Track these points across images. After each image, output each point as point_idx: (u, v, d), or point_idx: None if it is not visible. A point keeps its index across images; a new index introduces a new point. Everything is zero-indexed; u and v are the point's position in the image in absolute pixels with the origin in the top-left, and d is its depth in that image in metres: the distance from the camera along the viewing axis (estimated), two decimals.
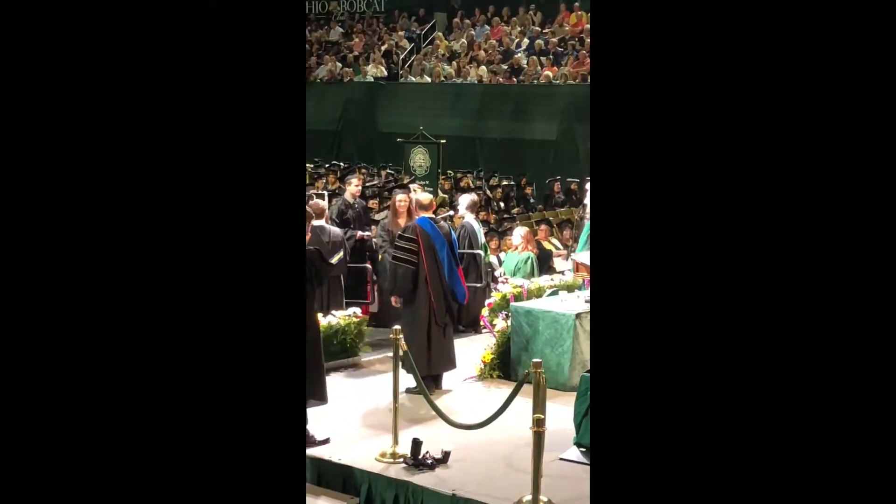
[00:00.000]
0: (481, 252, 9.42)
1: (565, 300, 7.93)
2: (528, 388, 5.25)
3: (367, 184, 13.47)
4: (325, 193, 10.47)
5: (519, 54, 19.70)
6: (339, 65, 21.75)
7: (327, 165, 16.85)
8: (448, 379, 7.63)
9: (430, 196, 8.21)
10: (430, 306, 7.35)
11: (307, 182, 13.44)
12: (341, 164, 17.14)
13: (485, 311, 8.73)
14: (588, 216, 8.70)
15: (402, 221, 8.34)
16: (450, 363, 7.59)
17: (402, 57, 21.62)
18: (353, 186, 10.51)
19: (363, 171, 15.71)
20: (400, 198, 8.74)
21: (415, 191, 9.63)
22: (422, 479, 5.69)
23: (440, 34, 21.90)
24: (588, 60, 18.05)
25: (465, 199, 9.79)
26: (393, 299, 7.50)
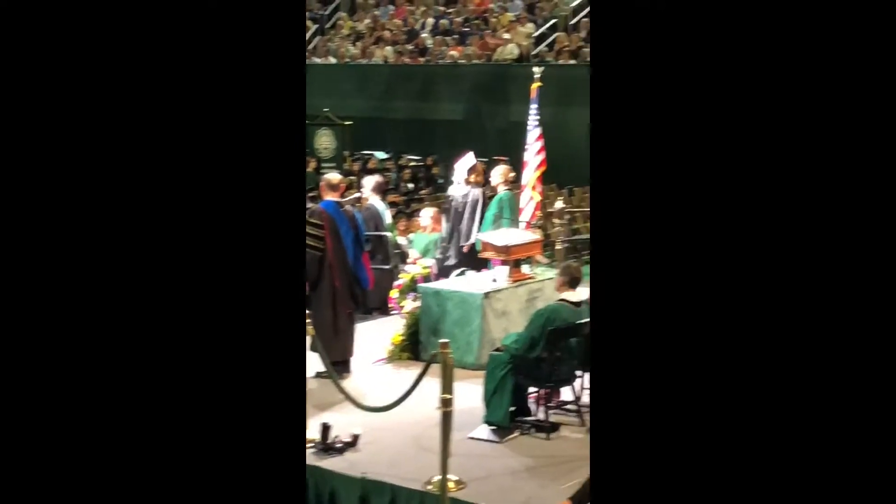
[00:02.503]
0: (388, 234, 9.38)
1: (473, 280, 7.99)
2: (436, 369, 5.27)
3: None
4: None
5: (424, 34, 19.66)
6: None
7: None
8: (357, 362, 7.61)
9: (340, 176, 8.02)
10: (335, 291, 7.30)
11: None
12: None
13: (393, 293, 8.74)
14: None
15: None
16: (350, 350, 7.52)
17: (306, 38, 21.38)
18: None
19: None
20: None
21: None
22: (331, 463, 5.70)
23: (344, 14, 21.70)
24: (491, 40, 18.13)
25: (369, 181, 9.69)
26: None
